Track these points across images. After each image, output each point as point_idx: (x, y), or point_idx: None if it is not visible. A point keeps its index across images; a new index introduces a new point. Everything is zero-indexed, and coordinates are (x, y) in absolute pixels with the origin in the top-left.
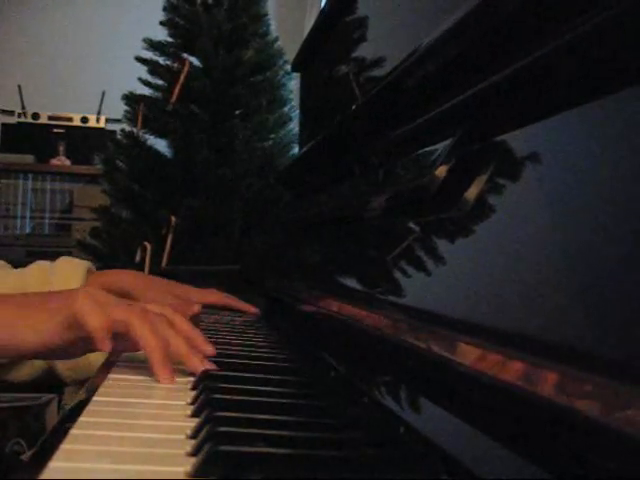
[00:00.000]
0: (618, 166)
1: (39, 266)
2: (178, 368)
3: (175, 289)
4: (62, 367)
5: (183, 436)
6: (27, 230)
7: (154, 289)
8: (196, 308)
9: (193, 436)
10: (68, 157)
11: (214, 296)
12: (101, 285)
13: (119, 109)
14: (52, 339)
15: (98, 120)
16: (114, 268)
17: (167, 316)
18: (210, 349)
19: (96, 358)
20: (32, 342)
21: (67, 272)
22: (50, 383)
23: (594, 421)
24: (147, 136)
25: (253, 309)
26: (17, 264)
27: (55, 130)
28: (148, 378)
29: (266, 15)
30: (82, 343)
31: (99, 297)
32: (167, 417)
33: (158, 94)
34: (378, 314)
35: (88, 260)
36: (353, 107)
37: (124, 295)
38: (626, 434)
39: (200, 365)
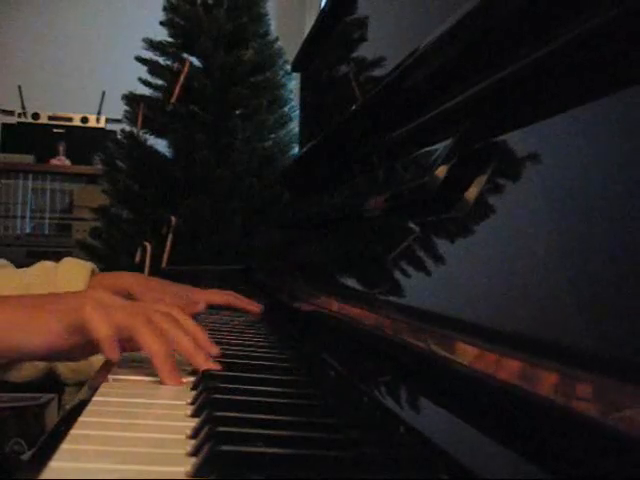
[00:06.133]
0: (618, 166)
1: (43, 266)
2: (178, 369)
3: (177, 290)
4: (63, 368)
5: (183, 436)
6: (27, 230)
7: (155, 290)
8: (200, 307)
9: (193, 436)
10: (68, 157)
11: (216, 296)
12: (103, 287)
13: (119, 109)
14: (58, 342)
15: (98, 120)
16: (114, 268)
17: (173, 315)
18: (215, 349)
19: (97, 359)
20: (38, 345)
21: (71, 274)
22: (50, 383)
23: (594, 421)
24: (147, 136)
25: (256, 308)
26: (17, 264)
27: (55, 130)
28: (148, 378)
29: (266, 15)
30: (87, 347)
31: (105, 300)
32: (167, 417)
33: (158, 94)
34: (378, 314)
35: (88, 260)
36: (353, 107)
37: (125, 297)
38: (626, 434)
39: (204, 363)
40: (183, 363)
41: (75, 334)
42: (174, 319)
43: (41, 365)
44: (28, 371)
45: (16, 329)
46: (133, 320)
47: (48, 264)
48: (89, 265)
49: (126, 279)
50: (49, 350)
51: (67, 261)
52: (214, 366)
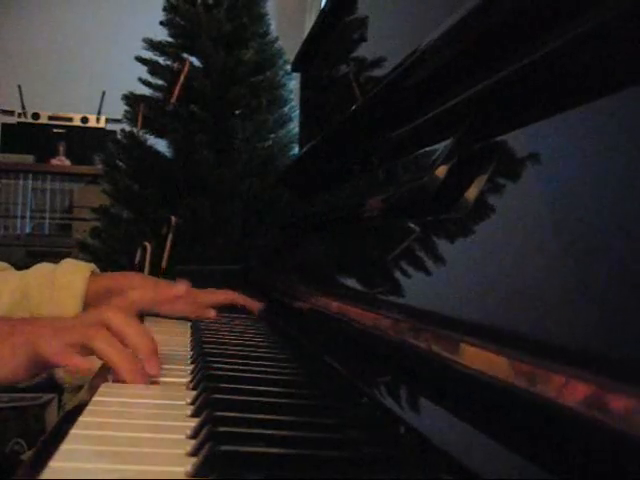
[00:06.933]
0: (618, 166)
1: (42, 268)
2: (178, 368)
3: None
4: (62, 373)
5: (183, 436)
6: (27, 230)
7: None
8: (212, 314)
9: (193, 436)
10: (68, 157)
11: (222, 296)
12: (105, 288)
13: (119, 109)
14: (16, 375)
15: (98, 120)
16: (114, 268)
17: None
18: (154, 369)
19: (96, 363)
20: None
21: (70, 275)
22: (50, 386)
23: (594, 421)
24: (147, 136)
25: (258, 305)
26: (17, 264)
27: (55, 130)
28: (148, 378)
29: (266, 15)
30: (47, 369)
31: (56, 325)
32: (167, 417)
33: (158, 94)
34: (378, 314)
35: (88, 260)
36: (353, 107)
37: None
38: (625, 434)
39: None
40: (182, 362)
41: (33, 366)
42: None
43: None
44: None
45: None
46: (87, 338)
47: (47, 266)
48: (89, 266)
49: (129, 280)
50: (8, 381)
51: (66, 262)
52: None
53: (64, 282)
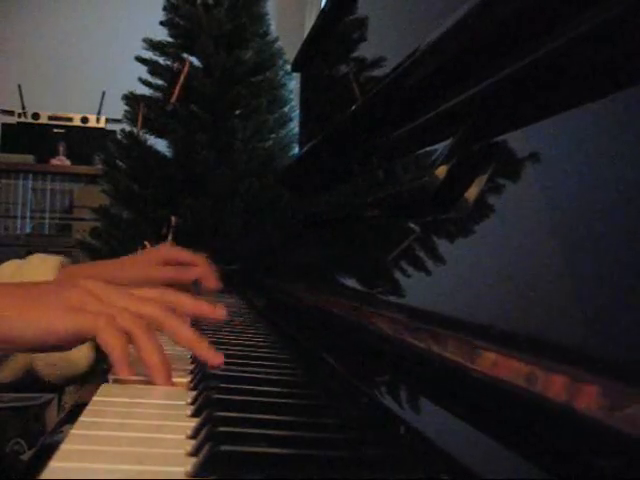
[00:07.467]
0: (619, 166)
1: (11, 264)
2: (178, 368)
3: (155, 271)
4: (41, 364)
5: (183, 436)
6: (27, 230)
7: (133, 279)
8: (193, 274)
9: (193, 436)
10: (68, 157)
11: (188, 256)
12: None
13: (119, 109)
14: (54, 339)
15: (98, 120)
16: None
17: (169, 301)
18: (220, 312)
19: (77, 356)
20: (31, 338)
21: (38, 269)
22: (29, 384)
23: (594, 421)
24: (147, 136)
25: (215, 282)
26: None
27: (55, 130)
28: (148, 378)
29: (266, 15)
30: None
31: (100, 294)
32: (167, 417)
33: (158, 94)
34: (378, 314)
35: (88, 260)
36: (353, 107)
37: None
38: (626, 434)
39: (212, 357)
40: (182, 362)
41: (76, 337)
42: (169, 307)
43: (19, 364)
44: (6, 372)
45: (12, 319)
46: (135, 328)
47: (16, 262)
48: (57, 259)
49: (100, 270)
50: (42, 344)
51: (35, 257)
52: (216, 359)
53: (33, 278)
